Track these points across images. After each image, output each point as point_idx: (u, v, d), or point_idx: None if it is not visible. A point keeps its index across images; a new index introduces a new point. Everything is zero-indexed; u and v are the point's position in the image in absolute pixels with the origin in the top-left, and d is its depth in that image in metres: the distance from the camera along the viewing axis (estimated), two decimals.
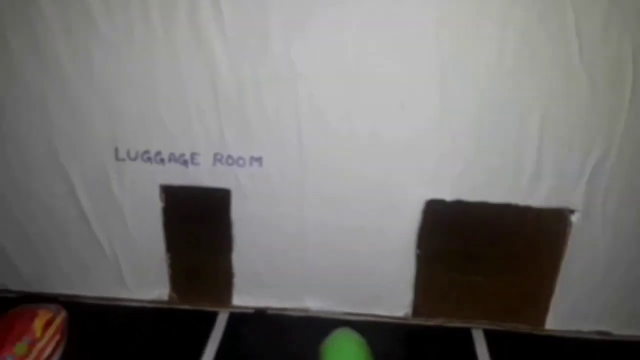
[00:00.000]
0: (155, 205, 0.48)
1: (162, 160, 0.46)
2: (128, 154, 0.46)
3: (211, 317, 0.51)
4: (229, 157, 0.46)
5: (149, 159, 0.46)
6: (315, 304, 0.51)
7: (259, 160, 0.46)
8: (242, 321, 0.51)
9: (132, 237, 0.49)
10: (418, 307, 0.51)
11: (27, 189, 0.48)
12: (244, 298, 0.52)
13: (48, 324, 0.39)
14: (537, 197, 0.45)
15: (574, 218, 0.46)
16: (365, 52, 0.41)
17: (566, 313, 0.50)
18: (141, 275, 0.51)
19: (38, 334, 0.38)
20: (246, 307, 0.52)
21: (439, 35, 0.40)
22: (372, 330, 0.49)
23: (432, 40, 0.40)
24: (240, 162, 0.46)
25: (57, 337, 0.40)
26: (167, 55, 0.42)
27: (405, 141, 0.44)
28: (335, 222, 0.48)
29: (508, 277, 0.49)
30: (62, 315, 0.42)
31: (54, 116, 0.45)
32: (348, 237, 0.48)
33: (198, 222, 0.49)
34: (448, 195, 0.46)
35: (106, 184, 0.47)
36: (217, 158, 0.46)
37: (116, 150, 0.46)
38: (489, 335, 0.50)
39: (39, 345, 0.38)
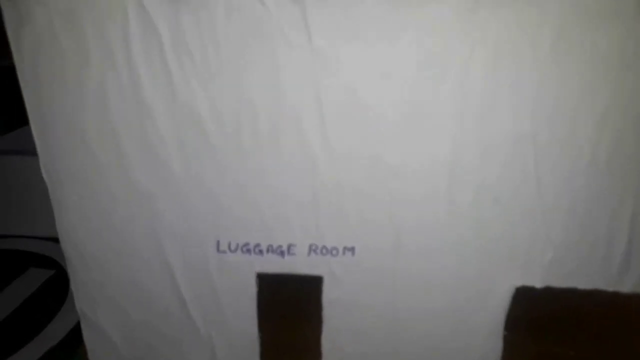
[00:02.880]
0: (251, 290, 0.51)
1: (260, 252, 0.49)
2: (229, 246, 0.48)
3: None
4: (324, 247, 0.48)
5: (248, 250, 0.49)
6: None
7: (351, 249, 0.48)
8: None
9: (227, 320, 0.52)
10: None
11: (133, 277, 0.51)
12: None
13: None
14: (626, 283, 0.47)
15: None
16: (461, 151, 0.43)
17: None
18: (234, 355, 0.54)
19: None
20: None
21: (536, 139, 0.42)
22: None
23: (530, 144, 0.42)
24: (334, 251, 0.48)
25: None
26: (271, 159, 0.44)
27: (498, 233, 0.46)
28: (425, 308, 0.49)
29: (595, 353, 0.51)
30: None
31: (161, 213, 0.48)
32: (437, 319, 0.50)
33: (291, 305, 0.51)
34: (538, 283, 0.47)
35: (206, 274, 0.50)
36: (312, 248, 0.48)
37: (217, 243, 0.48)
38: None
39: None
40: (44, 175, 0.48)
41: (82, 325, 0.55)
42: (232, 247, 0.49)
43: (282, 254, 0.49)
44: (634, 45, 0.39)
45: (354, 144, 0.44)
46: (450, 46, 0.40)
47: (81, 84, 0.43)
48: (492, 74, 0.41)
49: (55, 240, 0.85)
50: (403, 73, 0.41)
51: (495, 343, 0.50)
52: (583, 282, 0.47)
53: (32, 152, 0.60)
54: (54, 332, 0.62)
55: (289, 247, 0.48)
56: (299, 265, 0.49)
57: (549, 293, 0.47)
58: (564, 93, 0.41)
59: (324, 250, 0.48)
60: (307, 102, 0.42)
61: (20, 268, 0.76)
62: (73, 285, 0.53)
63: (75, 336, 0.60)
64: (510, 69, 0.40)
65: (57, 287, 0.72)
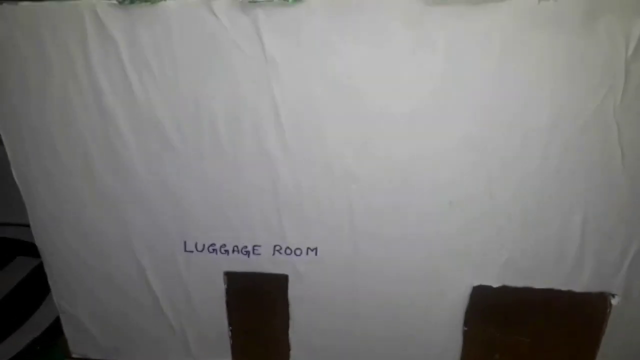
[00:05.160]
0: (219, 287, 0.52)
1: (226, 252, 0.50)
2: (195, 246, 0.50)
3: None
4: (287, 248, 0.50)
5: (215, 250, 0.50)
6: None
7: (314, 250, 0.50)
8: None
9: (197, 314, 0.54)
10: None
11: (105, 274, 0.53)
12: None
13: None
14: (579, 283, 0.48)
15: (614, 301, 0.48)
16: (416, 157, 0.44)
17: None
18: (205, 346, 0.56)
19: None
20: None
21: (488, 145, 0.43)
22: None
23: (482, 149, 0.43)
24: (298, 252, 0.50)
25: None
26: (232, 164, 0.46)
27: (453, 235, 0.47)
28: (386, 304, 0.51)
29: (551, 351, 0.52)
30: None
31: (129, 215, 0.49)
32: (398, 316, 0.52)
33: (258, 301, 0.53)
34: (495, 282, 0.49)
35: (175, 271, 0.52)
36: (276, 249, 0.50)
37: (185, 243, 0.50)
38: None
39: None
40: (16, 178, 0.49)
41: (62, 318, 0.57)
42: (199, 247, 0.50)
43: (247, 254, 0.50)
44: (579, 54, 0.39)
45: (311, 149, 0.45)
46: (399, 55, 0.40)
47: (44, 92, 0.44)
48: (442, 81, 0.41)
49: None
50: (353, 81, 0.42)
51: (455, 337, 0.52)
52: (538, 282, 0.49)
53: None
54: (39, 322, 0.64)
55: (254, 247, 0.50)
56: (265, 264, 0.51)
57: (505, 291, 0.49)
58: (513, 100, 0.41)
59: (288, 251, 0.50)
60: (264, 110, 0.43)
61: (7, 257, 0.78)
62: (50, 281, 0.55)
63: (58, 325, 0.62)
64: (460, 76, 0.41)
65: (43, 276, 0.74)
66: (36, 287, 0.72)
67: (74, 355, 0.58)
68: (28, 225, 0.87)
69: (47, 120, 0.46)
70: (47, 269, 0.54)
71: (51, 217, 0.50)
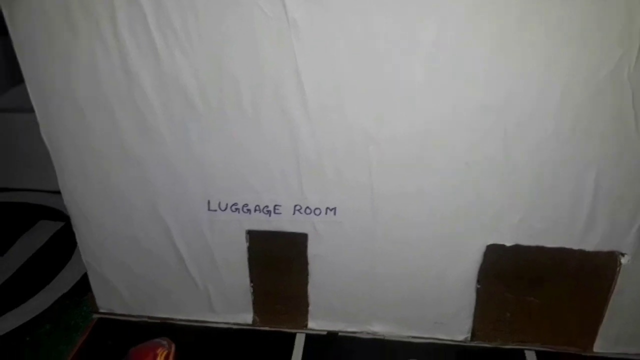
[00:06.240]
0: (242, 246, 0.54)
1: (248, 211, 0.52)
2: (219, 205, 0.52)
3: (290, 338, 0.58)
4: (307, 208, 0.51)
5: (237, 209, 0.52)
6: (382, 328, 0.58)
7: (333, 209, 0.51)
8: (318, 342, 0.58)
9: (220, 271, 0.56)
10: (476, 332, 0.56)
11: (131, 233, 0.55)
12: (318, 322, 0.58)
13: (166, 358, 0.47)
14: (590, 243, 0.50)
15: (623, 260, 0.50)
16: (434, 120, 0.45)
17: (613, 338, 0.55)
18: (228, 303, 0.58)
19: None
20: (320, 330, 0.59)
21: (505, 110, 0.44)
22: (434, 352, 0.55)
23: (499, 115, 0.44)
24: (317, 211, 0.51)
25: None
26: (254, 126, 0.47)
27: (469, 195, 0.48)
28: (402, 262, 0.53)
29: (561, 307, 0.54)
30: (173, 348, 0.49)
31: (154, 177, 0.51)
32: (414, 275, 0.54)
33: (279, 259, 0.55)
34: (508, 241, 0.50)
35: (199, 230, 0.54)
36: (296, 209, 0.51)
37: (208, 202, 0.52)
38: (541, 356, 0.56)
39: None
40: (45, 140, 0.51)
41: (89, 276, 0.60)
42: (222, 207, 0.52)
43: (268, 213, 0.52)
44: (593, 22, 0.40)
45: (332, 112, 0.46)
46: (418, 23, 0.41)
47: (71, 55, 0.45)
48: (460, 49, 0.42)
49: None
50: (375, 46, 0.42)
51: (469, 295, 0.54)
52: (550, 241, 0.50)
53: None
54: (65, 281, 0.67)
55: (275, 207, 0.52)
56: (285, 223, 0.52)
57: (518, 250, 0.51)
58: (529, 67, 0.42)
59: (308, 210, 0.51)
60: (286, 73, 0.44)
61: (30, 220, 0.81)
62: (78, 240, 0.57)
63: (84, 283, 0.65)
64: (478, 43, 0.42)
65: (66, 238, 0.76)
66: (60, 248, 0.75)
67: (100, 310, 0.61)
68: (49, 191, 0.90)
69: (73, 83, 0.47)
70: (75, 229, 0.56)
71: (79, 178, 0.52)
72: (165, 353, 0.47)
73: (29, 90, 0.48)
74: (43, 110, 0.49)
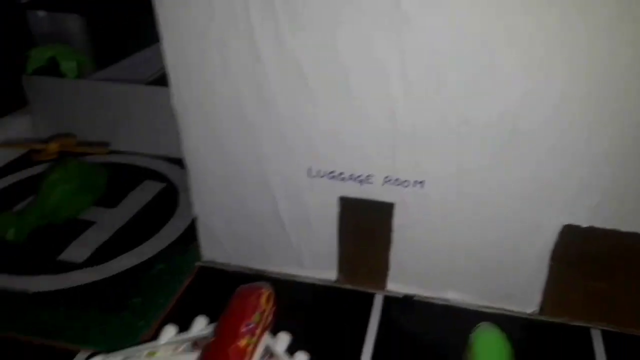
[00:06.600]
0: (333, 210, 0.61)
1: (343, 179, 0.58)
2: (318, 172, 0.59)
3: (370, 297, 0.65)
4: (397, 179, 0.57)
5: (333, 177, 0.59)
6: (455, 296, 0.63)
7: (421, 183, 0.57)
8: (394, 303, 0.64)
9: (313, 232, 0.63)
10: (545, 307, 0.60)
11: (240, 193, 0.63)
12: (396, 285, 0.64)
13: (268, 298, 0.55)
14: None
15: None
16: (521, 107, 0.50)
17: None
18: (316, 260, 0.66)
19: (264, 306, 0.53)
20: (397, 292, 0.65)
21: (590, 98, 0.47)
22: (502, 322, 0.59)
23: (584, 101, 0.48)
24: (406, 183, 0.57)
25: (274, 307, 0.55)
26: (357, 103, 0.53)
27: (551, 175, 0.52)
28: (481, 236, 0.58)
29: (630, 294, 0.57)
30: (272, 290, 0.57)
31: (265, 144, 0.58)
32: (491, 248, 0.58)
33: (365, 224, 0.61)
34: (584, 223, 0.54)
35: (298, 193, 0.61)
36: (387, 180, 0.57)
37: (309, 169, 0.59)
38: (606, 336, 0.59)
39: (265, 314, 0.53)
40: (175, 105, 0.59)
41: (198, 227, 0.68)
42: (321, 174, 0.59)
43: (361, 182, 0.58)
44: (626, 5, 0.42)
45: (430, 95, 0.51)
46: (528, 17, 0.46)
47: (207, 35, 0.53)
48: (553, 39, 0.46)
49: (166, 159, 1.00)
50: (475, 39, 0.47)
51: (542, 270, 0.58)
52: (626, 225, 0.53)
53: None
54: (171, 231, 0.77)
55: (368, 177, 0.58)
56: (375, 192, 0.59)
57: (593, 232, 0.54)
58: (616, 56, 0.45)
59: (397, 182, 0.57)
60: (392, 60, 0.50)
61: (137, 180, 0.91)
62: (193, 196, 0.66)
63: (187, 235, 0.75)
64: (566, 36, 0.46)
65: (168, 197, 0.86)
66: (164, 205, 0.84)
67: (204, 259, 0.70)
68: (153, 156, 1.00)
69: (207, 61, 0.55)
70: (191, 185, 0.64)
71: (201, 141, 0.60)
72: (268, 293, 0.55)
73: (166, 64, 0.56)
74: (176, 80, 0.57)
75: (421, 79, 0.50)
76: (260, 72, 0.54)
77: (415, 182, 0.57)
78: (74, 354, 0.57)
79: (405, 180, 0.57)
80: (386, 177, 0.57)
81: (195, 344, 0.53)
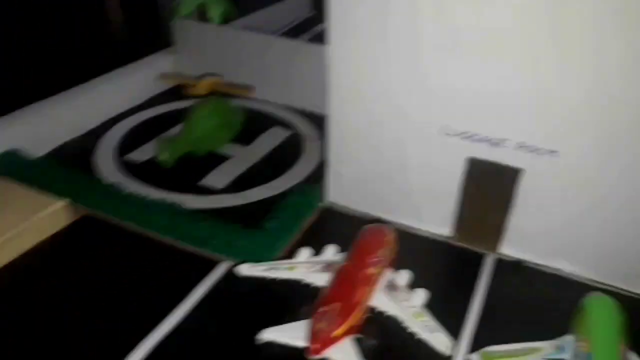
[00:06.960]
0: (459, 169, 0.65)
1: (475, 140, 0.62)
2: (451, 131, 0.62)
3: (481, 258, 0.68)
4: (531, 146, 0.59)
5: (467, 138, 0.62)
6: (567, 266, 0.65)
7: (554, 152, 0.59)
8: (505, 265, 0.67)
9: (436, 189, 0.68)
10: None
11: (373, 146, 0.68)
12: (509, 249, 0.67)
13: (393, 239, 0.60)
14: None
15: None
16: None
17: None
18: (435, 215, 0.70)
19: (389, 245, 0.59)
20: (509, 256, 0.68)
21: None
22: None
23: None
24: (539, 151, 0.59)
25: (396, 247, 0.61)
26: (500, 72, 0.56)
27: None
28: (606, 212, 0.59)
29: None
30: (396, 232, 0.62)
31: (405, 105, 0.63)
32: (614, 224, 0.60)
33: (490, 187, 0.64)
34: None
35: (429, 150, 0.65)
36: (520, 145, 0.60)
37: (443, 127, 0.63)
38: None
39: (390, 251, 0.59)
40: (330, 69, 0.65)
41: (328, 171, 0.75)
42: (454, 133, 0.63)
43: (493, 145, 0.61)
44: None
45: (582, 69, 0.53)
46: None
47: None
48: None
49: (293, 109, 1.08)
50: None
51: None
52: None
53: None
54: (298, 173, 0.84)
55: (501, 140, 0.61)
56: (506, 156, 0.61)
57: None
58: None
59: (531, 148, 0.60)
60: (543, 28, 0.52)
61: (266, 125, 1.00)
62: (330, 145, 0.72)
63: (312, 177, 0.82)
64: None
65: (294, 143, 0.94)
66: (290, 149, 0.92)
67: (328, 200, 0.77)
68: (282, 106, 1.08)
69: (367, 22, 0.60)
70: (329, 134, 0.71)
71: (347, 97, 0.66)
72: (393, 234, 0.60)
73: (329, 24, 0.62)
74: (337, 39, 0.63)
75: (575, 52, 0.52)
76: (412, 44, 0.59)
77: (550, 151, 0.59)
78: (216, 263, 0.66)
79: (540, 148, 0.59)
80: (520, 142, 0.60)
81: (327, 266, 0.60)
